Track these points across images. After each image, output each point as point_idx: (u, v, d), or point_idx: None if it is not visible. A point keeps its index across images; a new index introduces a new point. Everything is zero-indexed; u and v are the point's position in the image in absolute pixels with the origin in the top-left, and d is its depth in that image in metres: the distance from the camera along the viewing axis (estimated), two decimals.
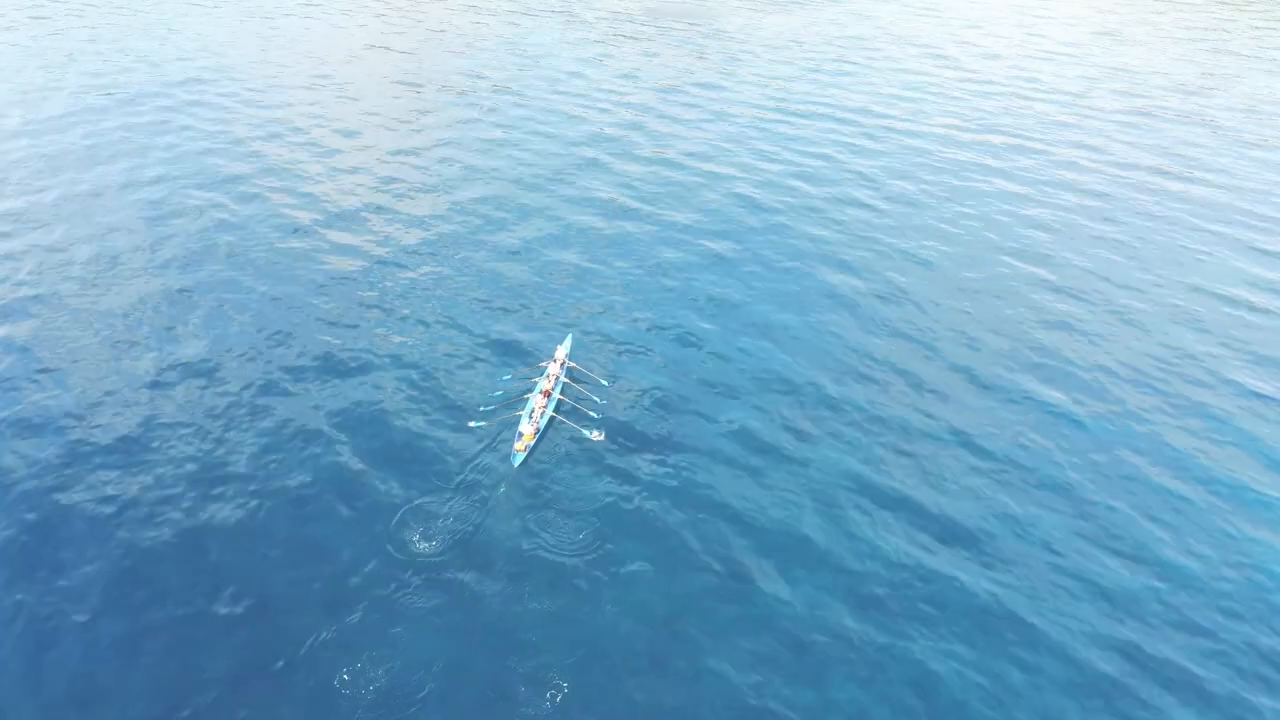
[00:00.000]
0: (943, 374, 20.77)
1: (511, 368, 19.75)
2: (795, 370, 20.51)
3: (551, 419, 17.89)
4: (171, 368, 19.27)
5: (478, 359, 20.02)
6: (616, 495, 16.28)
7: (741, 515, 15.97)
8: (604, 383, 19.04)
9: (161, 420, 17.58)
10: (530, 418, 17.32)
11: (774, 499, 16.31)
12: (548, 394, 18.07)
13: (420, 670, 12.76)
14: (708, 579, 14.58)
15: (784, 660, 13.27)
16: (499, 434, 17.64)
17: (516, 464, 16.39)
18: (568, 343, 20.03)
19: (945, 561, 15.20)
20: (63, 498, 15.56)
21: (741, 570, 14.88)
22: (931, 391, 20.05)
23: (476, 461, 16.79)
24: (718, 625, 13.72)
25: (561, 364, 19.09)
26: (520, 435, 16.83)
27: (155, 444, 16.89)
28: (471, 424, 17.33)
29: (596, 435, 16.92)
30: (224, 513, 15.42)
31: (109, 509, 15.37)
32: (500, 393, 18.66)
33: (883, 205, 30.30)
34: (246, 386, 18.71)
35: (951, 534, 15.84)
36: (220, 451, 16.74)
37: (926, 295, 24.43)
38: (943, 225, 29.03)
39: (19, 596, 13.73)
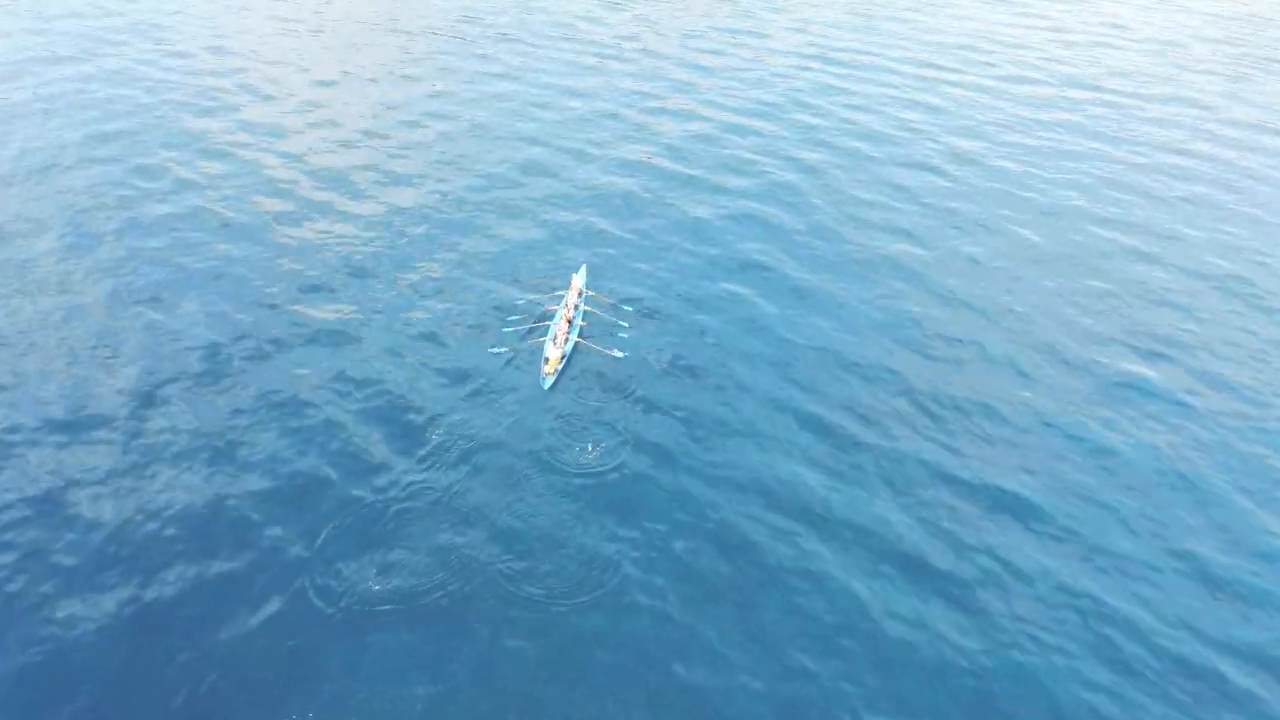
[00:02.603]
0: (1024, 352, 21.97)
1: (526, 297, 22.86)
2: (852, 344, 21.96)
3: (576, 345, 20.79)
4: (148, 329, 21.15)
5: (483, 313, 22.44)
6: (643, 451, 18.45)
7: (793, 497, 17.50)
8: (627, 308, 22.11)
9: (142, 389, 19.36)
10: (554, 342, 20.19)
11: (837, 482, 17.76)
12: (569, 321, 21.01)
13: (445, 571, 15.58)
14: (765, 572, 16.11)
15: (863, 663, 14.53)
16: (519, 361, 20.64)
17: (546, 387, 19.02)
18: (583, 271, 22.92)
19: (1044, 560, 16.30)
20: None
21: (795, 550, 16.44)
22: (1014, 372, 21.23)
23: (503, 386, 19.68)
24: (787, 622, 15.12)
25: (580, 292, 22.14)
26: (546, 360, 19.58)
27: (126, 415, 18.61)
28: (493, 349, 20.29)
29: (619, 352, 20.18)
30: (244, 480, 17.45)
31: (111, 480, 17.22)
32: (517, 317, 21.74)
33: (947, 166, 32.77)
34: (231, 354, 20.53)
35: (1048, 530, 16.95)
36: (217, 425, 18.54)
37: (1000, 266, 26.00)
38: (1016, 189, 31.31)
39: None
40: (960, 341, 22.73)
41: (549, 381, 19.33)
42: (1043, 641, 15.12)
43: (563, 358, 19.89)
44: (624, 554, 16.03)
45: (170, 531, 16.13)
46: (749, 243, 26.80)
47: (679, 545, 16.31)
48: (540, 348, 20.72)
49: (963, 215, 29.55)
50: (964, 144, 35.29)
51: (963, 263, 26.59)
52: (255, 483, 17.13)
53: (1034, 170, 33.17)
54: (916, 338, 22.72)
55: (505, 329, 21.48)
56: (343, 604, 14.86)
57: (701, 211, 28.52)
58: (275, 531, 16.16)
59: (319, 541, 15.90)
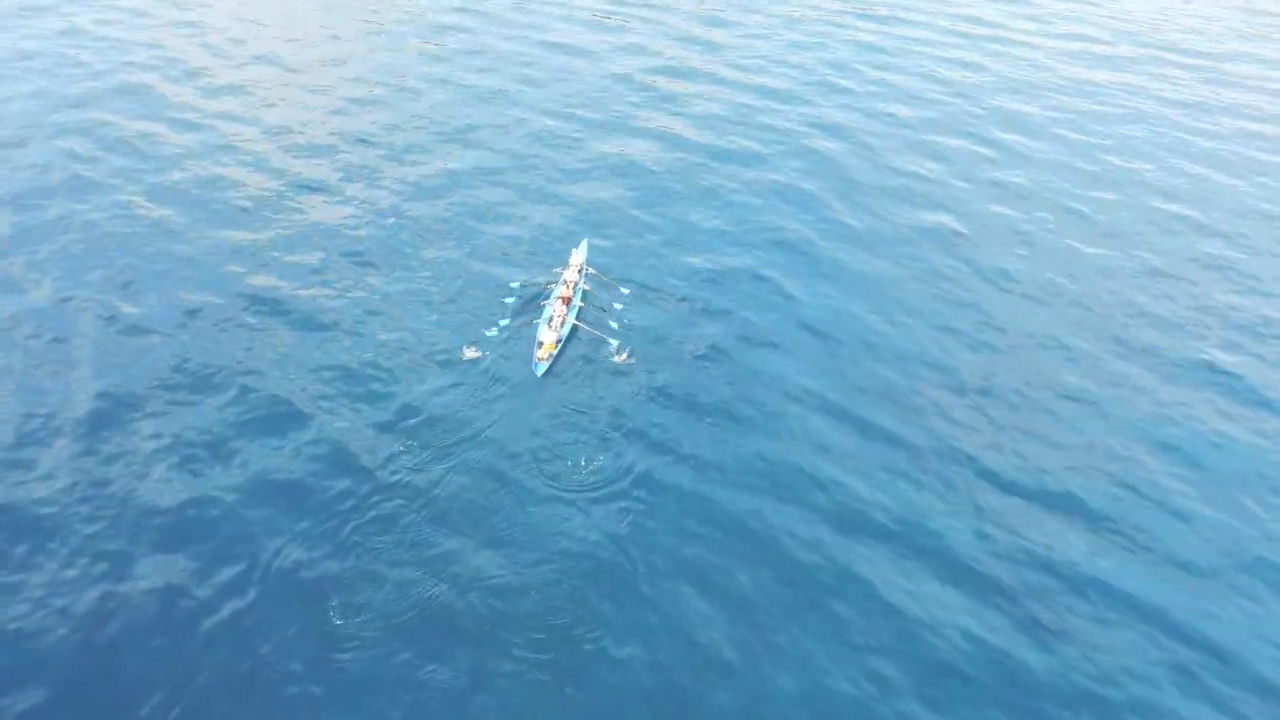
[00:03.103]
0: (1081, 338, 20.88)
1: (523, 273, 21.59)
2: (889, 329, 20.81)
3: (574, 328, 19.62)
4: (108, 319, 19.76)
5: (473, 293, 21.17)
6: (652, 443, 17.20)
7: (822, 497, 16.39)
8: (626, 290, 20.85)
9: (104, 388, 17.93)
10: (550, 325, 19.02)
11: (872, 487, 16.59)
12: (567, 301, 19.85)
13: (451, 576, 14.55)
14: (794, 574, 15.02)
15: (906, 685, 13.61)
16: (511, 343, 19.39)
17: (540, 373, 18.11)
18: (583, 247, 21.94)
19: (1106, 568, 15.35)
20: None
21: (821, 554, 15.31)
22: (1071, 361, 20.14)
23: (492, 374, 18.39)
24: (823, 632, 14.08)
25: (579, 270, 20.95)
26: (540, 344, 18.60)
27: (88, 417, 17.27)
28: (468, 352, 18.57)
29: (621, 357, 18.59)
30: (205, 481, 16.24)
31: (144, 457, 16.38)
32: (513, 299, 20.51)
33: (998, 134, 31.29)
34: (195, 344, 19.21)
35: (1111, 536, 15.97)
36: (181, 424, 17.25)
37: (1054, 242, 24.91)
38: (1071, 157, 29.91)
39: None
40: (1009, 327, 21.45)
41: (542, 368, 18.27)
42: (1106, 661, 14.06)
43: (558, 342, 18.93)
44: (626, 575, 14.68)
45: (127, 534, 15.07)
46: (772, 216, 25.39)
47: (689, 568, 14.95)
48: (534, 330, 19.54)
49: (1010, 187, 28.11)
50: (1012, 106, 33.69)
51: (1011, 239, 25.24)
52: (215, 485, 15.94)
53: (1091, 137, 31.57)
54: (961, 323, 21.44)
55: (495, 311, 20.25)
56: (308, 622, 13.65)
57: (718, 182, 27.17)
58: (236, 540, 14.97)
59: (280, 554, 14.68)
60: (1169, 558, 15.85)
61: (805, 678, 13.46)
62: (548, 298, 20.46)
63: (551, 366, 18.64)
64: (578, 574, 14.63)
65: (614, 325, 20.04)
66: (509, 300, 20.58)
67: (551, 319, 19.34)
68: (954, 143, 30.57)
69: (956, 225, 25.61)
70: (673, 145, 29.14)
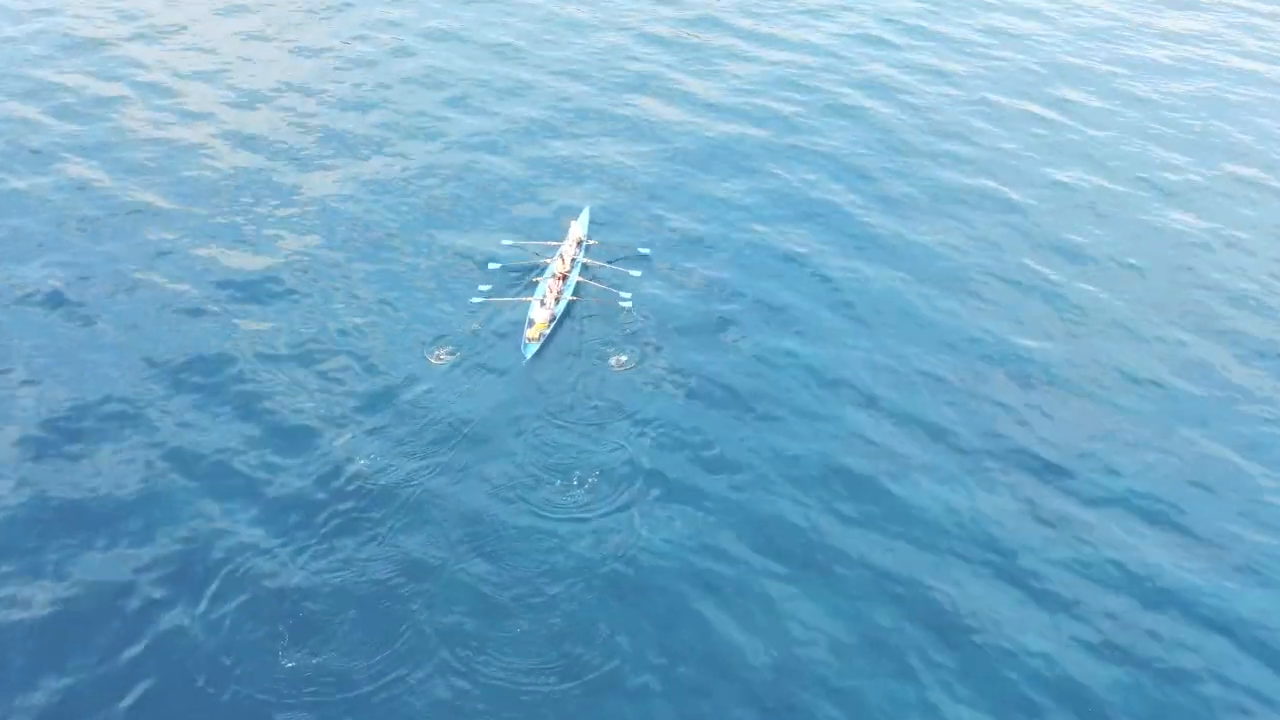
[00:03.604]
0: (1156, 323, 19.33)
1: (512, 246, 20.36)
2: (935, 311, 19.24)
3: (570, 304, 18.53)
4: (53, 304, 18.70)
5: (455, 268, 20.06)
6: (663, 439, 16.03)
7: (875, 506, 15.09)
8: (635, 271, 19.52)
9: (56, 365, 17.25)
10: (542, 303, 17.99)
11: (921, 497, 15.25)
12: (563, 277, 18.82)
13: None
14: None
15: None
16: (498, 319, 18.35)
17: (529, 355, 17.13)
18: (584, 217, 20.77)
19: (1190, 590, 14.11)
20: None
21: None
22: (1144, 348, 18.62)
23: (475, 360, 17.33)
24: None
25: (579, 243, 19.87)
26: (531, 322, 17.67)
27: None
28: (440, 356, 17.28)
29: (619, 360, 17.42)
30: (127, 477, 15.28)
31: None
32: (498, 266, 19.46)
33: (1058, 91, 29.32)
34: (144, 322, 18.26)
35: (1193, 553, 14.71)
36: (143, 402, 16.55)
37: (1128, 214, 23.27)
38: (1142, 117, 28.07)
39: None
40: (1076, 308, 19.82)
41: (533, 349, 17.25)
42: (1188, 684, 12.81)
43: (551, 320, 17.90)
44: (637, 595, 13.28)
45: (71, 532, 14.23)
46: (803, 186, 23.65)
47: (709, 587, 13.54)
48: (525, 309, 18.40)
49: (1072, 150, 26.14)
50: (1073, 59, 31.42)
51: (1075, 209, 23.42)
52: (168, 483, 14.89)
53: (1166, 95, 29.36)
54: (1020, 305, 19.86)
55: (482, 285, 19.04)
56: (259, 655, 12.50)
57: (742, 146, 25.49)
58: (187, 542, 13.99)
59: (233, 563, 13.61)
60: (1259, 571, 14.41)
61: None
62: (541, 273, 19.33)
63: (543, 349, 17.51)
64: (577, 594, 13.28)
65: (617, 305, 18.74)
66: (494, 268, 19.44)
67: (544, 297, 18.25)
68: (1008, 102, 28.59)
69: (1013, 194, 23.81)
70: (689, 105, 27.44)
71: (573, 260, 19.42)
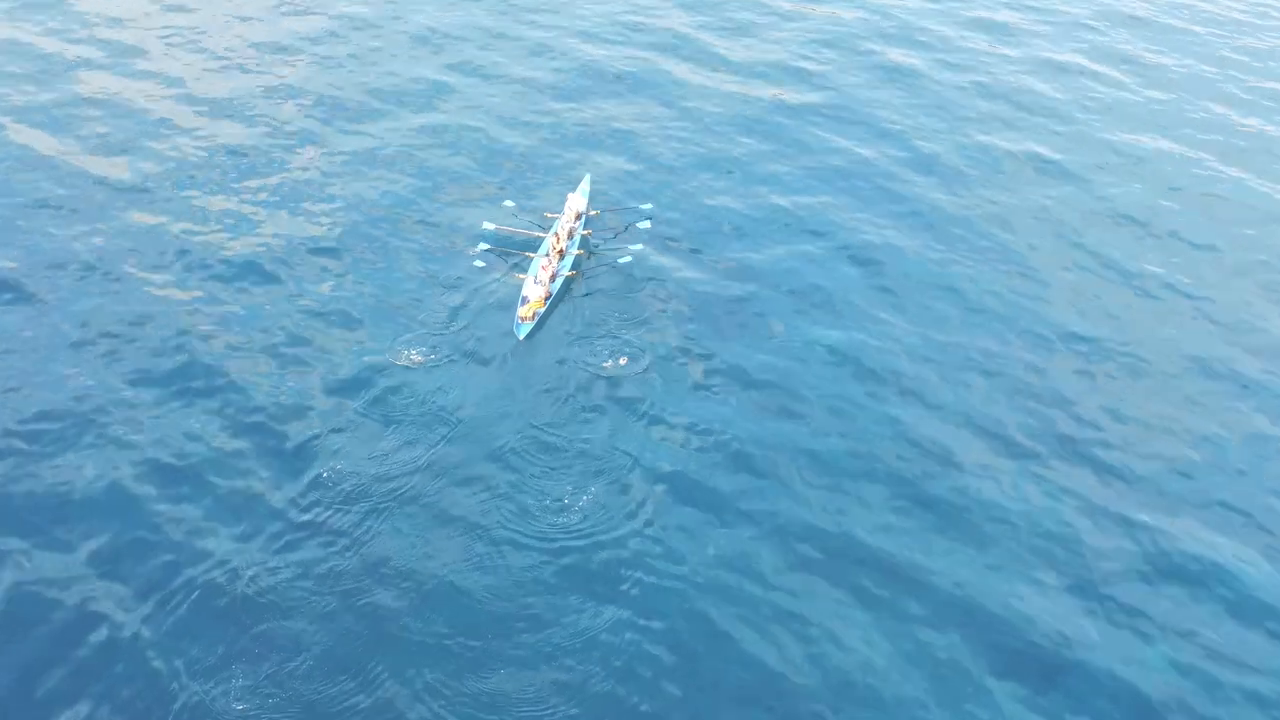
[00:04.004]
0: (1238, 351, 17.49)
1: (505, 217, 19.16)
2: (993, 294, 17.86)
3: (568, 280, 17.59)
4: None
5: (440, 241, 18.90)
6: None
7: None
8: (635, 247, 18.36)
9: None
10: (537, 279, 17.13)
11: (980, 494, 13.99)
12: (560, 253, 17.97)
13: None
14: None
15: None
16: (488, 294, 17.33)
17: (522, 335, 16.33)
18: (584, 186, 19.84)
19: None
20: None
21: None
22: (1223, 379, 16.80)
23: (459, 346, 16.23)
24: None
25: (579, 216, 18.97)
26: (525, 300, 16.86)
27: None
28: (410, 357, 15.82)
29: (616, 362, 16.09)
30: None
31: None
32: (487, 248, 18.35)
33: (1125, 44, 27.81)
34: (87, 293, 17.13)
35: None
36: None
37: (1210, 186, 22.00)
38: (1223, 78, 26.62)
39: None
40: (1139, 288, 18.36)
41: (526, 329, 16.38)
42: None
43: (547, 299, 17.00)
44: (635, 649, 11.64)
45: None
46: (834, 153, 22.21)
47: (725, 635, 11.86)
48: (519, 286, 17.30)
49: (1137, 112, 24.54)
50: (1136, 9, 29.69)
51: (1139, 179, 21.89)
52: (95, 488, 13.50)
53: (1240, 50, 27.76)
54: (1075, 282, 18.38)
55: (477, 261, 17.96)
56: (191, 697, 11.10)
57: (761, 106, 24.08)
58: (116, 560, 12.60)
59: (158, 619, 11.90)
60: None
61: None
62: (537, 247, 18.35)
63: (537, 330, 16.46)
64: (570, 642, 11.61)
65: (619, 282, 17.61)
66: (483, 249, 18.27)
67: (539, 273, 17.25)
68: (1069, 58, 26.93)
69: (1070, 163, 22.37)
70: (709, 66, 25.94)
71: (570, 234, 18.43)
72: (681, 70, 25.79)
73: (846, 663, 11.61)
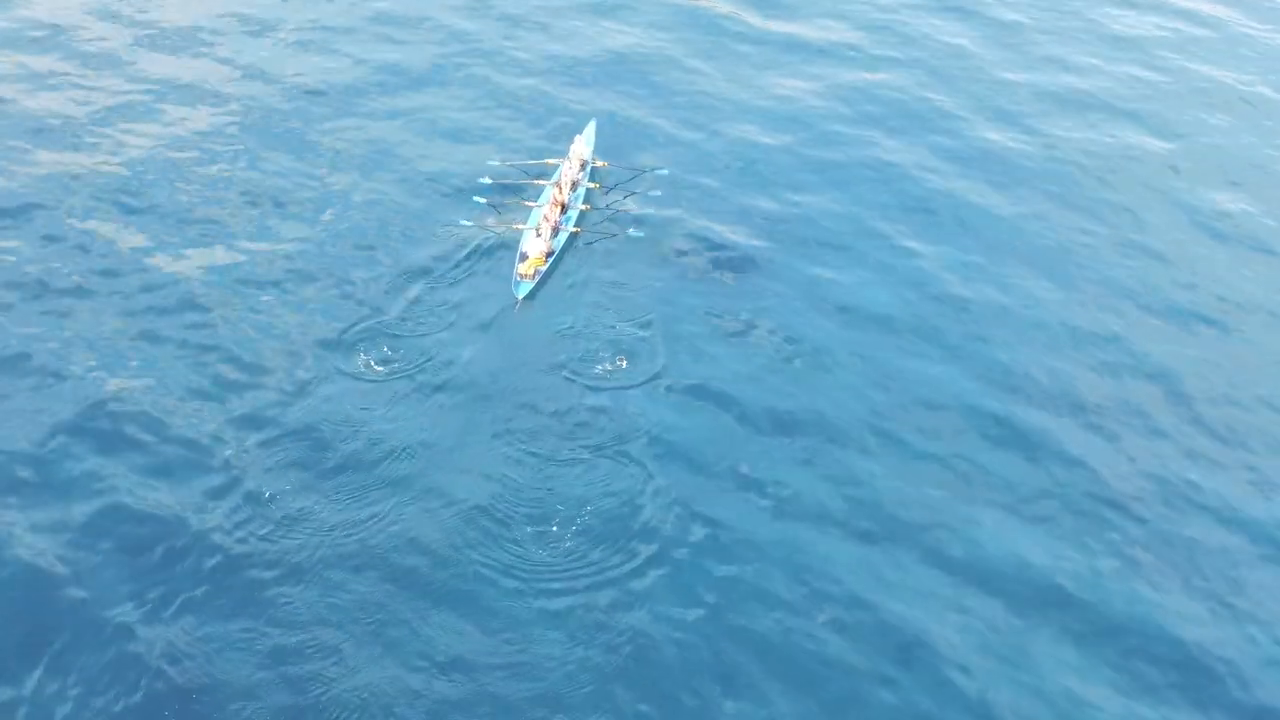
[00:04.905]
0: None
1: (500, 168, 17.92)
2: (1058, 296, 16.08)
3: (571, 236, 16.51)
4: None
5: (430, 191, 17.64)
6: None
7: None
8: (636, 230, 16.81)
9: None
10: (538, 232, 16.09)
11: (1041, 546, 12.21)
12: (562, 206, 16.85)
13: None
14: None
15: None
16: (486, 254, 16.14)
17: (521, 295, 15.22)
18: (590, 132, 18.73)
19: None
20: None
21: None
22: None
23: (450, 295, 15.11)
24: None
25: (583, 164, 17.87)
26: (524, 256, 15.79)
27: None
28: (367, 361, 14.03)
29: (614, 365, 14.70)
30: None
31: None
32: (483, 199, 17.08)
33: (1211, 9, 26.34)
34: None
35: None
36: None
37: None
38: None
39: None
40: (1220, 298, 16.59)
41: (526, 288, 15.32)
42: None
43: (549, 255, 15.96)
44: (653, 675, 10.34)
45: None
46: (874, 137, 20.19)
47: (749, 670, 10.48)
48: (517, 240, 16.24)
49: (1217, 90, 22.72)
50: None
51: (1221, 167, 20.02)
52: (27, 518, 11.66)
53: None
54: (1147, 288, 16.55)
55: (464, 220, 16.61)
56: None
57: (790, 85, 22.00)
58: (60, 588, 10.92)
59: (50, 677, 10.16)
60: None
61: None
62: (537, 197, 17.22)
63: (538, 289, 15.38)
64: (573, 668, 10.31)
65: (627, 236, 16.51)
66: (479, 200, 17.01)
67: (540, 225, 16.19)
68: (1146, 22, 25.13)
69: (1155, 145, 20.59)
70: (720, 29, 24.27)
71: (574, 185, 17.28)
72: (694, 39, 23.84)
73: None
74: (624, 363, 14.10)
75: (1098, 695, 10.59)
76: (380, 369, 13.61)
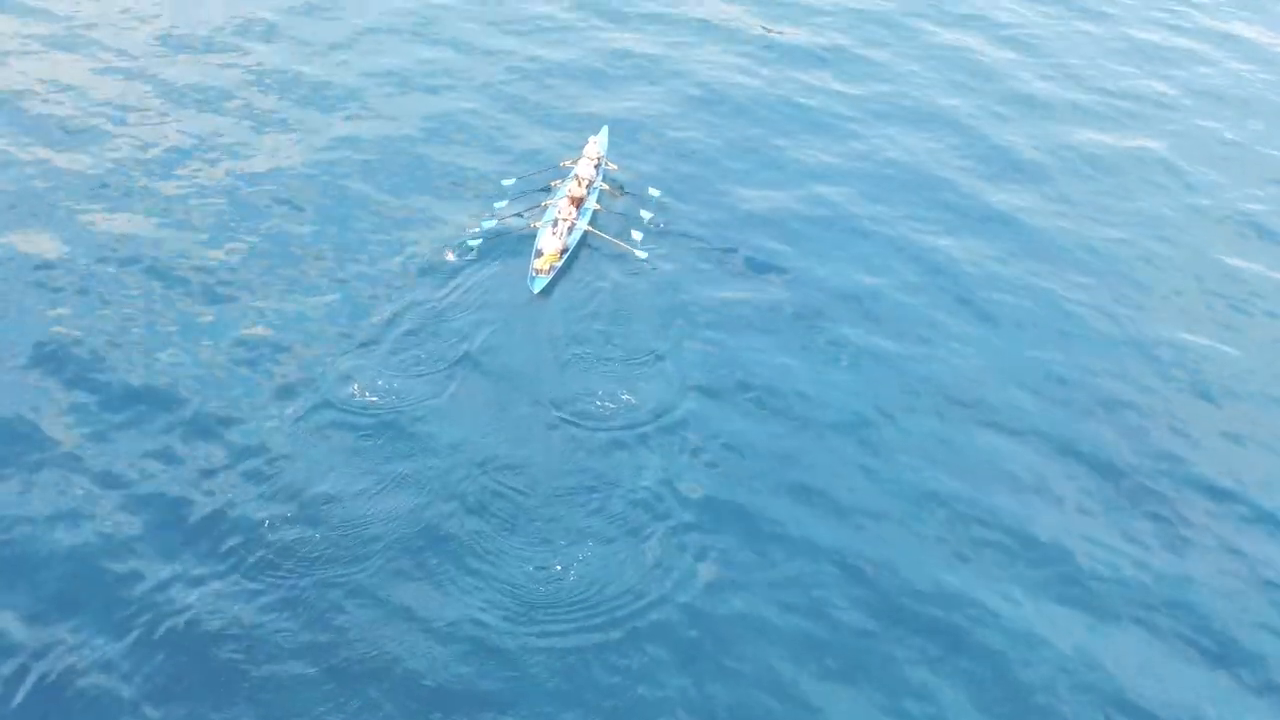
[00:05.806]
0: None
1: (522, 169, 18.38)
2: (1087, 303, 16.30)
3: (585, 234, 16.99)
4: None
5: (446, 190, 17.99)
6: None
7: None
8: (637, 235, 16.96)
9: None
10: (554, 230, 16.51)
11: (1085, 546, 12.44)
12: (578, 203, 17.27)
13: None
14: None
15: None
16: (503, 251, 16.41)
17: (536, 290, 15.77)
18: (603, 135, 19.26)
19: None
20: None
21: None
22: None
23: (475, 291, 15.39)
24: None
25: (596, 164, 18.34)
26: (539, 253, 16.30)
27: None
28: (450, 255, 15.85)
29: (642, 252, 16.14)
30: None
31: None
32: (502, 203, 17.45)
33: (1238, 25, 26.10)
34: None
35: None
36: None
37: None
38: None
39: None
40: (1259, 308, 16.75)
41: (541, 283, 15.86)
42: None
43: (564, 252, 16.43)
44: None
45: None
46: (891, 140, 20.26)
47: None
48: (533, 236, 16.68)
49: (1252, 101, 22.70)
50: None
51: (1255, 177, 20.15)
52: (54, 505, 11.77)
53: None
54: (1182, 297, 16.64)
55: (482, 224, 16.84)
56: None
57: (806, 86, 22.10)
58: (80, 579, 11.14)
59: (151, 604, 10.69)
60: None
61: None
62: (553, 195, 17.76)
63: (552, 284, 15.90)
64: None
65: (639, 235, 16.85)
66: (500, 205, 17.38)
67: (556, 223, 16.63)
68: (1161, 39, 24.87)
69: (1173, 158, 20.54)
70: (734, 35, 24.37)
71: (589, 184, 17.73)
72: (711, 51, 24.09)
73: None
74: (636, 359, 14.49)
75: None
76: (399, 359, 14.03)
